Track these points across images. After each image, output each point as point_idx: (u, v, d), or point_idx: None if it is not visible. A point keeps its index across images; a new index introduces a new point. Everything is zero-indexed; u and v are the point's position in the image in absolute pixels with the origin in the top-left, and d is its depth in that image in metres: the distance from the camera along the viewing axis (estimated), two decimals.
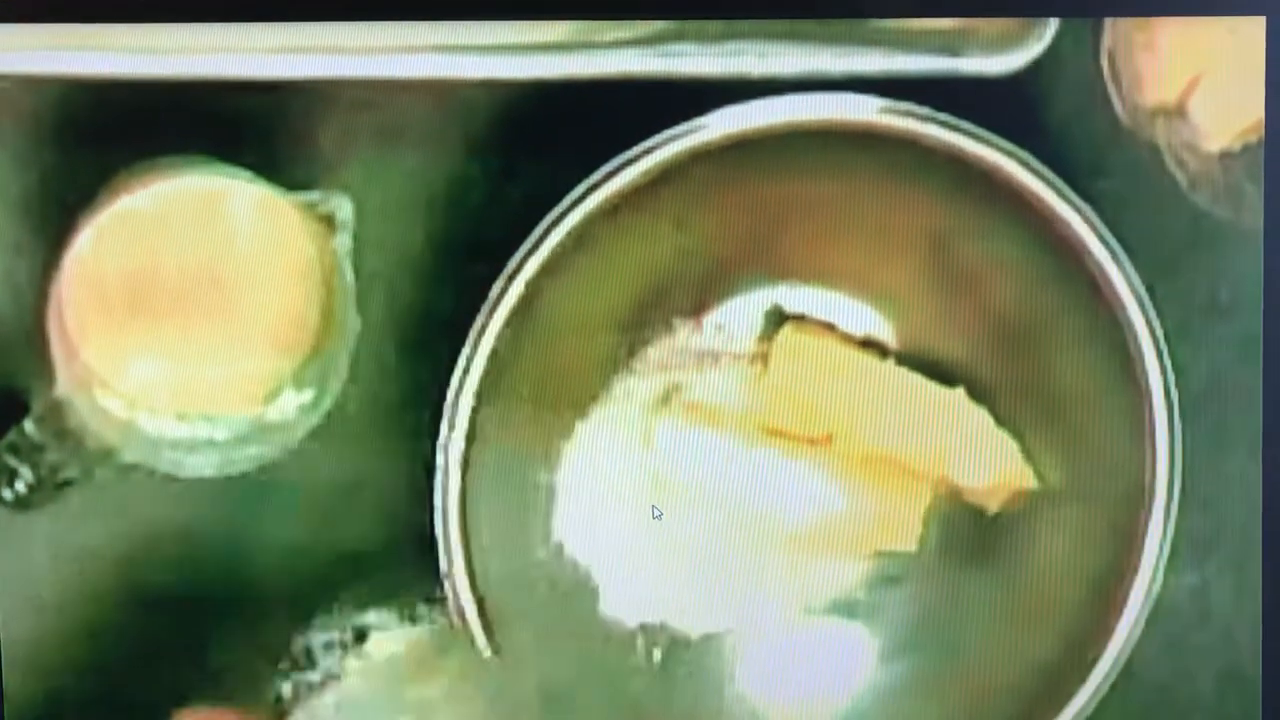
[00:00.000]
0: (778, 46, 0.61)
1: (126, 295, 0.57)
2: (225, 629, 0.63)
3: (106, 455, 0.59)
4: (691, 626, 0.64)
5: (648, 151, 0.59)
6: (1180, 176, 0.63)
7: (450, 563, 0.59)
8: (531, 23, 0.59)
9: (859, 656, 0.64)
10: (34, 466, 0.59)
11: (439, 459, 0.59)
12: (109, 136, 0.61)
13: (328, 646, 0.63)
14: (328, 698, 0.63)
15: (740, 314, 0.64)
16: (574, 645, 0.63)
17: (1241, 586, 0.65)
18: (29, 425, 0.59)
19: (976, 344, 0.63)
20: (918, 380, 0.63)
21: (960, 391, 0.63)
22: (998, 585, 0.64)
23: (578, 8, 0.59)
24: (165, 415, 0.58)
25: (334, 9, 0.59)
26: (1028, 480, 0.63)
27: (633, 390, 0.63)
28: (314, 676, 0.63)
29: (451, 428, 0.59)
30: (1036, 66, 0.62)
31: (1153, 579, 0.61)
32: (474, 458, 0.60)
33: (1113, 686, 0.61)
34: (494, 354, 0.59)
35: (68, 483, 0.60)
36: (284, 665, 0.63)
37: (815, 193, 0.62)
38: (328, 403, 0.60)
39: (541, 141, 0.62)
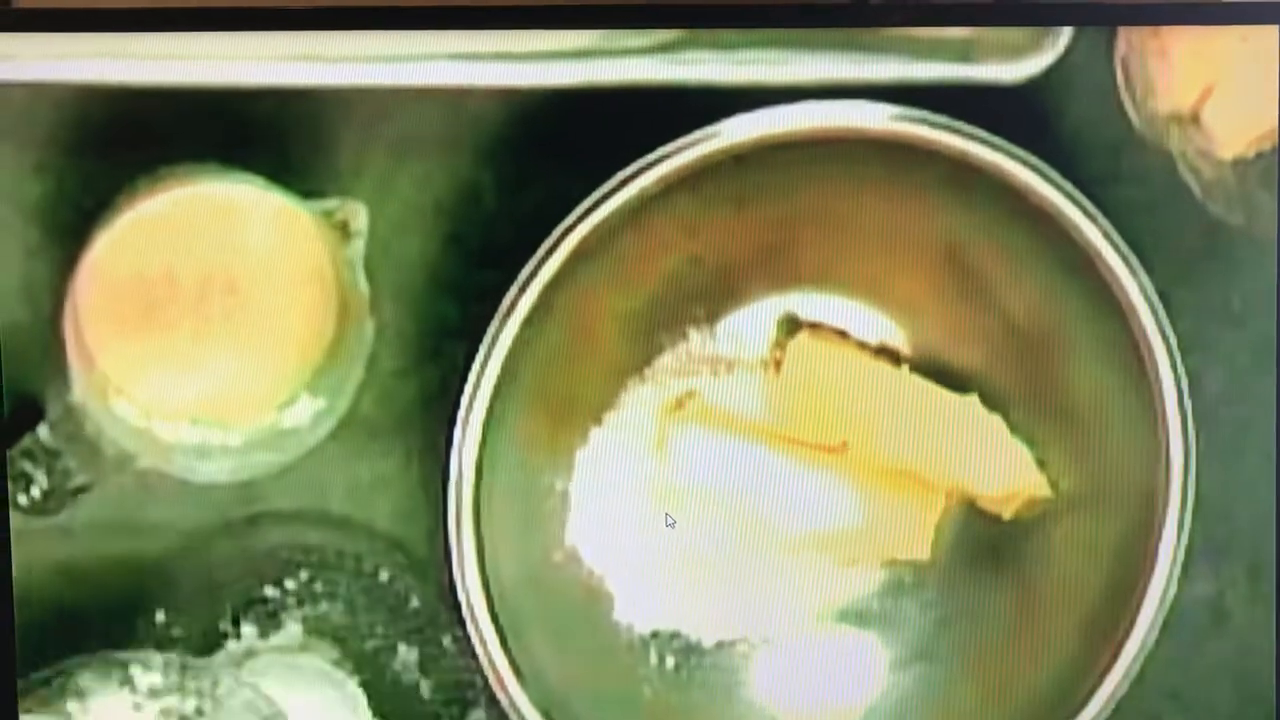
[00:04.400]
0: (791, 54, 0.61)
1: (142, 302, 0.57)
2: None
3: (121, 461, 0.59)
4: (704, 634, 0.64)
5: (661, 159, 0.59)
6: (1194, 184, 0.63)
7: (463, 568, 0.60)
8: (547, 31, 0.60)
9: (872, 664, 0.64)
10: (49, 472, 0.60)
11: (453, 465, 0.60)
12: (126, 144, 0.61)
13: None
14: None
15: (754, 321, 0.64)
16: (587, 652, 0.63)
17: (1256, 594, 0.65)
18: (44, 431, 0.59)
19: (990, 352, 0.63)
20: (931, 388, 0.63)
21: (974, 399, 0.63)
22: (1011, 593, 0.63)
23: (593, 19, 0.60)
24: (180, 421, 0.58)
25: (349, 18, 0.59)
26: (1041, 488, 0.63)
27: (646, 397, 0.63)
28: None
29: (465, 434, 0.59)
30: (1050, 74, 0.62)
31: (1166, 586, 0.61)
32: (487, 464, 0.60)
33: (1126, 694, 0.61)
34: (508, 360, 0.59)
35: (82, 489, 0.61)
36: None
37: (828, 200, 0.62)
38: (342, 409, 0.60)
39: (555, 149, 0.62)
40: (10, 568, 0.60)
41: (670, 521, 0.63)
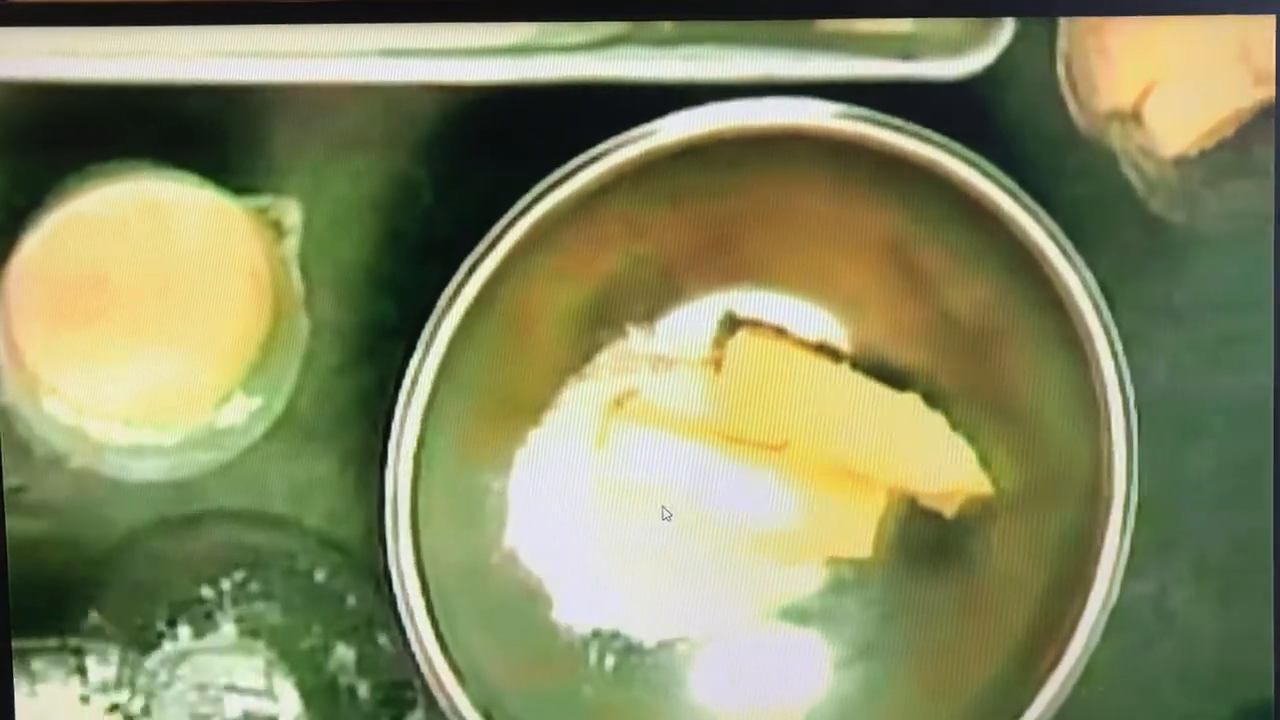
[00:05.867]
0: (731, 50, 0.61)
1: (74, 301, 0.57)
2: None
3: (54, 462, 0.59)
4: (645, 633, 0.63)
5: (600, 156, 0.59)
6: (1136, 182, 0.63)
7: (400, 568, 0.59)
8: (481, 26, 0.59)
9: (815, 663, 0.64)
10: None
11: (389, 465, 0.59)
12: (57, 141, 0.60)
13: None
14: None
15: (694, 318, 0.63)
16: (526, 652, 0.62)
17: (1201, 594, 0.65)
18: None
19: (932, 349, 0.63)
20: (872, 385, 0.62)
21: (915, 396, 0.62)
22: (954, 591, 0.63)
23: (529, 11, 0.59)
24: (113, 421, 0.58)
25: (283, 13, 0.59)
26: (984, 485, 0.63)
27: (587, 395, 0.63)
28: None
29: (402, 434, 0.59)
30: (992, 71, 0.61)
31: (1110, 584, 0.61)
32: (425, 463, 0.59)
33: (1072, 693, 0.61)
34: (445, 359, 0.59)
35: (18, 490, 0.60)
36: None
37: (769, 197, 0.62)
38: (278, 408, 0.60)
39: (493, 146, 0.62)
40: (7, 567, 0.60)
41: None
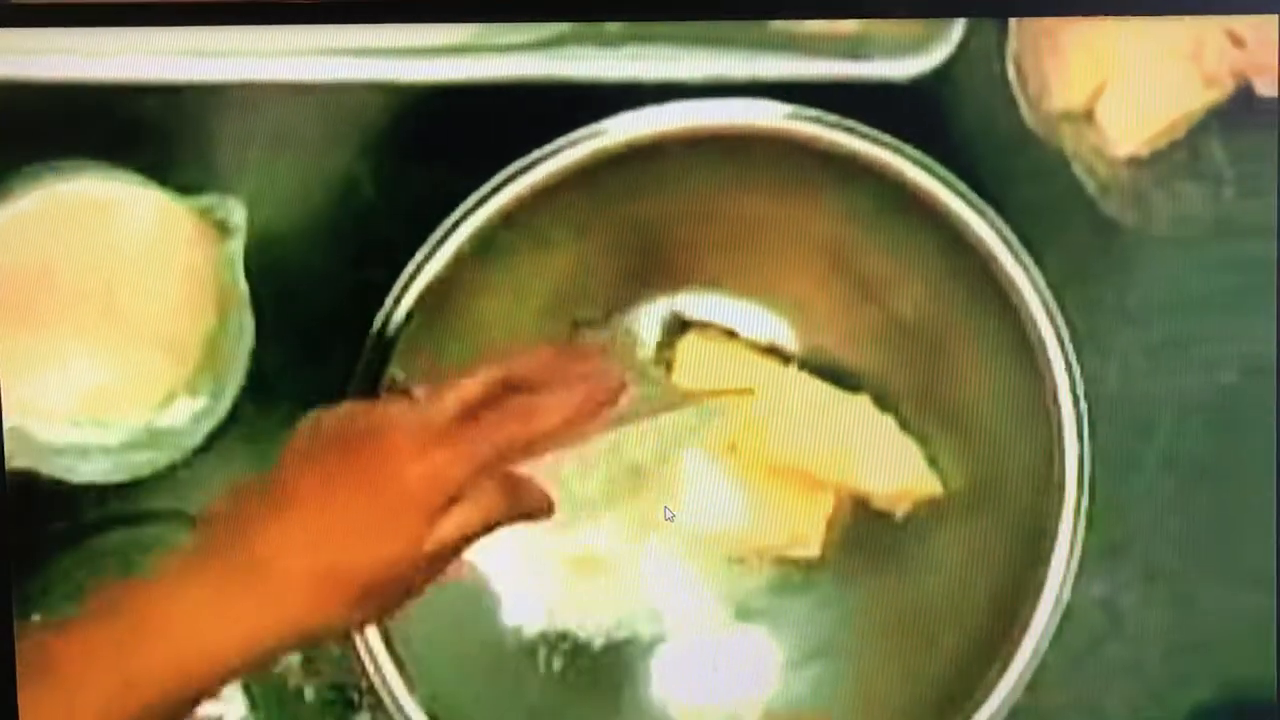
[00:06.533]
0: (681, 51, 0.60)
1: (17, 300, 0.56)
2: None
3: None
4: (593, 634, 0.63)
5: (547, 156, 0.58)
6: (1088, 183, 0.63)
7: None
8: (427, 26, 0.59)
9: (765, 662, 0.64)
10: None
11: None
12: (1, 139, 0.60)
13: None
14: None
15: (644, 321, 0.63)
16: (474, 654, 0.62)
17: (1150, 597, 0.65)
18: None
19: (882, 350, 0.63)
20: (821, 386, 0.62)
21: (864, 398, 0.62)
22: (904, 592, 0.63)
23: (475, 12, 0.59)
24: (57, 421, 0.57)
25: (229, 13, 0.58)
26: (934, 486, 0.63)
27: None
28: None
29: None
30: (942, 71, 0.61)
31: (1061, 586, 0.60)
32: None
33: (1024, 693, 0.61)
34: (393, 359, 0.59)
35: None
36: None
37: (718, 198, 0.61)
38: (223, 409, 0.60)
39: (438, 146, 0.61)
40: (9, 574, 0.60)
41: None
